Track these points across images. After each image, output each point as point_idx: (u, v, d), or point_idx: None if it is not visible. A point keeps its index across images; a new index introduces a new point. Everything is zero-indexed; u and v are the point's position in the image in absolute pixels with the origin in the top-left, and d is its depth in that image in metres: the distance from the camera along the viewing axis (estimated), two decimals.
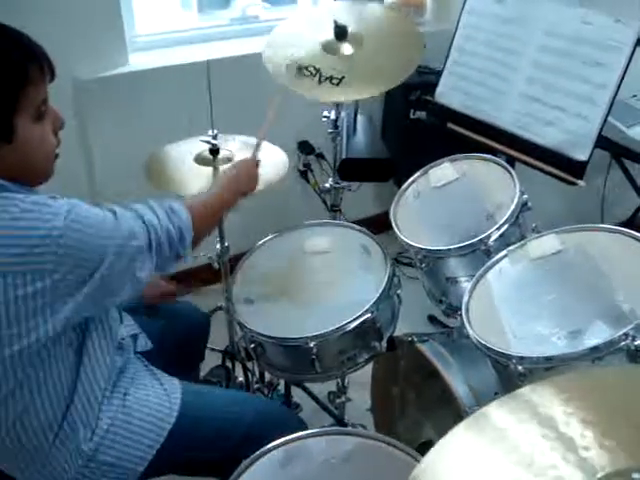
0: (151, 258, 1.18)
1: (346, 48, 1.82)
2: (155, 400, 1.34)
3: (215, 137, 1.79)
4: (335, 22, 1.75)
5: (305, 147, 2.63)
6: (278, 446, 1.25)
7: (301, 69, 1.77)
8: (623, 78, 1.56)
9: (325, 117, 2.05)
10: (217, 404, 1.41)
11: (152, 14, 2.47)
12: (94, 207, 1.12)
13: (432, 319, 2.47)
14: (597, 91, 1.59)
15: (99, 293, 1.09)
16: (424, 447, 1.60)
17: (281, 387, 2.18)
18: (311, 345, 1.49)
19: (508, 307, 1.25)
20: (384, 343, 1.60)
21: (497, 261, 1.36)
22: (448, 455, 0.81)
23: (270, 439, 1.27)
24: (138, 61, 2.35)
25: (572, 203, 2.83)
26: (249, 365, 2.14)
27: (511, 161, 1.82)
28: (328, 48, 1.82)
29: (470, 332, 1.24)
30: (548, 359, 1.09)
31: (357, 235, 1.77)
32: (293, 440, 1.27)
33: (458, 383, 1.47)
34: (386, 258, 1.65)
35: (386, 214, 3.03)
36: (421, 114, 2.42)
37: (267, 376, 2.18)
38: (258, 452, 1.22)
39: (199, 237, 1.33)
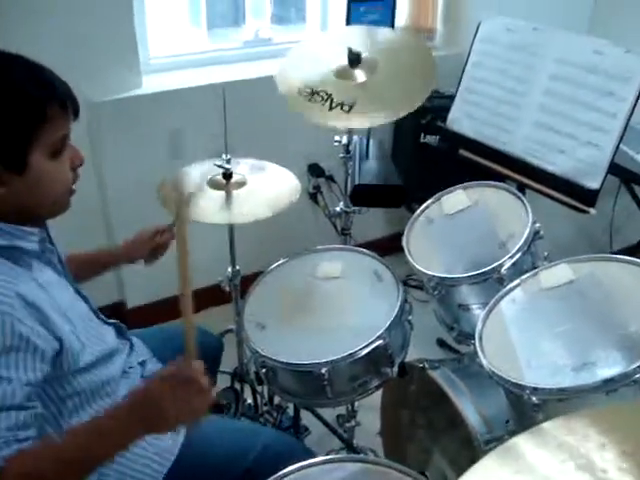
0: None
1: (359, 74, 1.84)
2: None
3: (228, 161, 1.81)
4: (349, 49, 1.77)
5: (315, 170, 2.65)
6: (290, 473, 1.26)
7: (313, 94, 1.79)
8: (635, 107, 1.58)
9: (337, 142, 2.06)
10: (223, 436, 1.39)
11: (163, 33, 2.50)
12: None
13: (441, 343, 2.47)
14: (608, 120, 1.60)
15: None
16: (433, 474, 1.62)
17: (290, 410, 2.18)
18: (323, 371, 1.49)
19: (521, 336, 1.26)
20: (395, 369, 1.60)
21: (510, 290, 1.37)
22: None
23: (277, 471, 1.23)
24: (152, 83, 2.38)
25: (581, 228, 2.84)
26: (258, 388, 2.14)
27: (522, 188, 1.84)
28: (341, 74, 1.84)
29: (484, 361, 1.24)
30: (561, 390, 1.10)
31: (368, 260, 1.78)
32: (298, 469, 1.27)
33: (469, 410, 1.47)
34: (398, 284, 1.66)
35: (394, 236, 3.08)
36: (431, 138, 2.44)
37: (276, 399, 2.19)
38: None
39: None
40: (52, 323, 1.08)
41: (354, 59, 1.80)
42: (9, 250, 1.08)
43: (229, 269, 1.99)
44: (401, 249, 2.47)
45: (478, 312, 1.55)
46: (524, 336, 1.26)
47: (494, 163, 1.85)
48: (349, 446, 2.02)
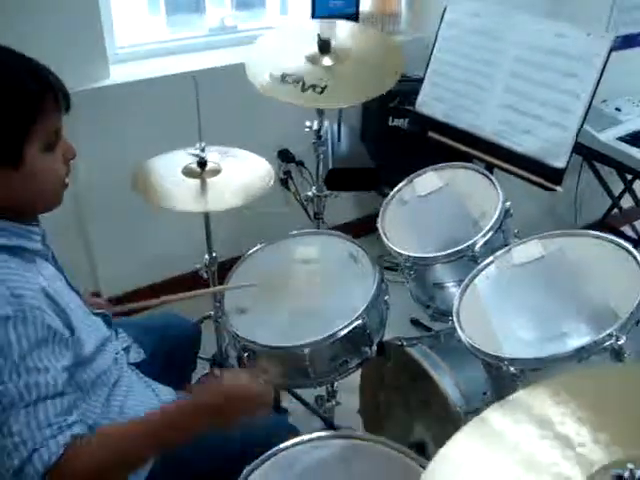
0: None
1: (328, 60, 1.87)
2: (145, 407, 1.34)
3: (203, 150, 1.82)
4: (319, 36, 1.80)
5: (285, 156, 2.66)
6: (276, 453, 1.29)
7: (284, 77, 1.81)
8: (597, 88, 1.63)
9: (307, 127, 2.09)
10: None
11: (124, 22, 2.47)
12: None
13: (415, 322, 2.52)
14: (573, 100, 1.66)
15: None
16: (416, 447, 1.66)
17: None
18: (305, 352, 1.53)
19: (497, 311, 1.31)
20: (374, 348, 1.65)
21: (484, 267, 1.42)
22: (452, 460, 0.85)
23: (262, 450, 1.30)
24: (120, 73, 2.36)
25: (546, 206, 2.92)
26: None
27: (490, 168, 1.89)
28: (312, 60, 1.86)
29: (462, 336, 1.29)
30: (538, 360, 1.15)
31: (343, 243, 1.82)
32: (291, 446, 1.32)
33: (447, 384, 1.52)
34: (374, 265, 1.70)
35: (365, 219, 3.12)
36: (400, 121, 2.48)
37: None
38: (257, 460, 1.26)
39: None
40: (66, 314, 1.11)
41: (324, 46, 1.83)
42: (15, 249, 1.09)
43: (206, 256, 2.01)
44: (372, 231, 2.51)
45: (453, 290, 1.60)
46: (499, 310, 1.31)
47: (463, 145, 1.90)
48: (330, 425, 2.07)
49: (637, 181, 2.61)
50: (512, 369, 1.15)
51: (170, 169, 1.86)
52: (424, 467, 1.21)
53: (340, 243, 1.82)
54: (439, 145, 2.00)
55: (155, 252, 2.54)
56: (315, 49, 1.86)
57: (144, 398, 1.38)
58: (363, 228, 3.12)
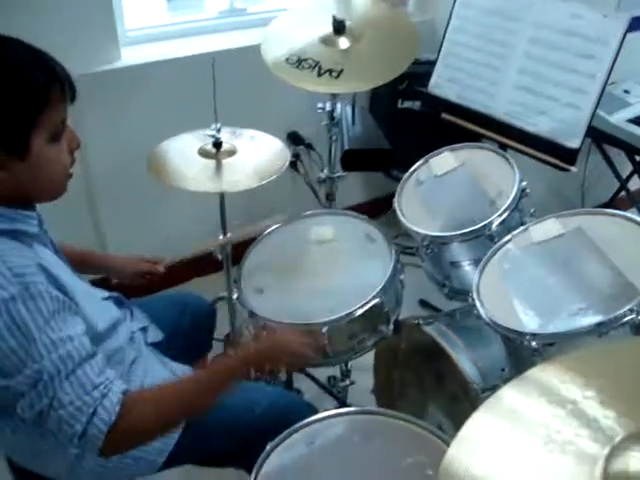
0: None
1: (344, 42, 1.87)
2: None
3: (219, 130, 1.83)
4: (334, 17, 1.80)
5: (294, 138, 2.67)
6: (301, 427, 1.32)
7: (301, 61, 1.82)
8: (612, 69, 1.64)
9: (320, 109, 2.10)
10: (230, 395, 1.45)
11: (131, 6, 2.46)
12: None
13: (424, 303, 2.55)
14: (588, 81, 1.67)
15: None
16: None
17: (282, 374, 2.23)
18: (323, 331, 1.54)
19: (516, 288, 1.33)
20: (390, 327, 1.67)
21: (502, 245, 1.44)
22: (472, 440, 0.87)
23: (282, 428, 1.33)
24: (131, 56, 2.36)
25: (554, 188, 2.93)
26: None
27: (503, 149, 1.90)
28: (326, 42, 1.87)
29: (482, 311, 1.31)
30: (559, 335, 1.17)
31: (359, 223, 1.83)
32: (315, 421, 1.34)
33: (464, 362, 1.54)
34: (390, 245, 1.72)
35: (373, 202, 3.13)
36: (410, 103, 2.48)
37: None
38: (282, 435, 1.28)
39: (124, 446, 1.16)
40: (65, 288, 1.11)
41: (339, 27, 1.84)
42: (12, 233, 1.09)
43: (220, 237, 2.02)
44: (381, 212, 2.53)
45: (469, 269, 1.62)
46: (518, 287, 1.33)
47: (476, 125, 1.91)
48: (343, 404, 2.09)
49: None
50: (533, 344, 1.17)
51: (185, 150, 1.87)
52: (447, 443, 1.24)
53: (356, 223, 1.83)
54: (450, 126, 2.01)
55: (167, 233, 2.55)
56: (330, 30, 1.87)
57: (163, 377, 1.39)
58: (372, 210, 3.13)
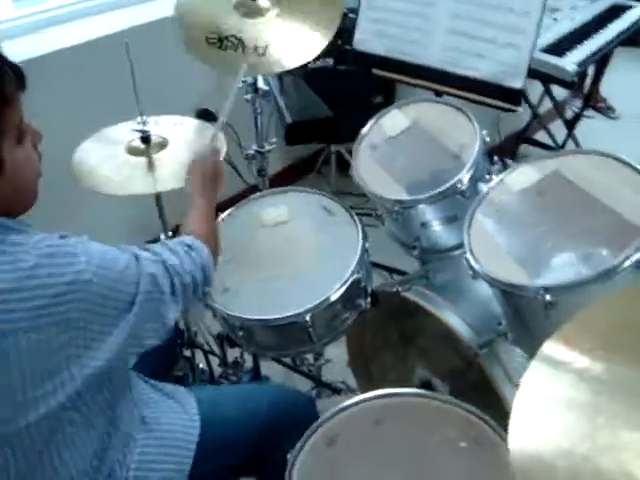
0: (176, 303, 1.12)
1: (263, 2, 1.73)
2: (177, 420, 1.28)
3: (145, 123, 1.67)
4: None
5: (205, 115, 2.50)
6: (317, 428, 1.24)
7: (222, 40, 1.67)
8: (545, 4, 1.62)
9: (241, 81, 1.95)
10: (231, 406, 1.38)
11: None
12: (112, 248, 1.04)
13: (375, 265, 2.50)
14: (522, 19, 1.64)
15: (125, 342, 1.01)
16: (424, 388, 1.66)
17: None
18: (307, 319, 1.46)
19: (510, 242, 1.29)
20: (368, 299, 1.61)
21: (481, 200, 1.40)
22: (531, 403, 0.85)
23: (287, 424, 1.33)
24: (17, 49, 2.10)
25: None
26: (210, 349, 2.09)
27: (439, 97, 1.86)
28: (243, 8, 1.72)
29: (481, 271, 1.26)
30: (572, 285, 1.14)
31: (312, 197, 1.74)
32: (328, 419, 1.27)
33: (455, 321, 1.52)
34: (351, 214, 1.64)
35: (291, 167, 3.04)
36: (323, 62, 2.38)
37: (230, 357, 2.14)
38: (300, 442, 1.21)
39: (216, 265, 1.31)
40: None
41: None
42: None
43: (162, 236, 1.87)
44: (306, 173, 2.45)
45: (439, 228, 1.58)
46: (512, 241, 1.29)
47: (411, 77, 1.85)
48: (320, 383, 2.04)
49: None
50: (548, 297, 1.14)
51: (111, 150, 1.70)
52: (467, 410, 1.21)
53: (308, 197, 1.74)
54: (379, 81, 1.94)
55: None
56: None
57: (165, 407, 1.31)
58: (294, 175, 3.06)
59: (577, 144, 3.06)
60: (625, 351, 0.88)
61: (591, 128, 3.26)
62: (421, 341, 1.70)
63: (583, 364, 0.86)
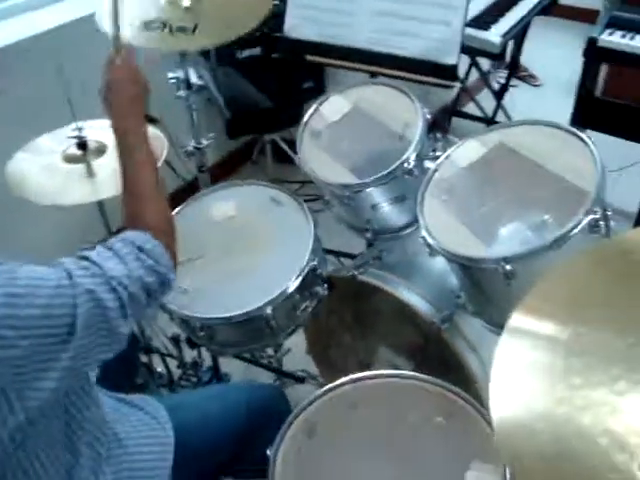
0: (125, 316, 0.98)
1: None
2: (150, 432, 1.24)
3: (80, 129, 1.61)
4: None
5: None
6: (294, 419, 1.24)
7: (147, 24, 1.63)
8: None
9: (173, 79, 1.91)
10: (212, 406, 1.36)
11: None
12: (40, 268, 0.92)
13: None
14: None
15: (72, 367, 0.91)
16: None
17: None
18: (268, 312, 1.46)
19: (463, 217, 1.31)
20: (325, 285, 1.61)
21: (430, 178, 1.41)
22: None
23: (265, 418, 1.33)
24: None
25: None
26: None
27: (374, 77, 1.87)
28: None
29: (439, 247, 1.28)
30: (529, 254, 1.17)
31: (259, 189, 1.73)
32: (304, 409, 1.26)
33: (414, 299, 1.54)
34: (299, 203, 1.64)
35: (229, 156, 3.00)
36: (251, 51, 2.35)
37: (187, 357, 2.11)
38: (279, 435, 1.20)
39: (174, 245, 1.14)
40: None
41: None
42: None
43: None
44: (237, 168, 2.42)
45: (389, 208, 1.60)
46: (465, 215, 1.31)
47: (344, 61, 1.85)
48: (282, 373, 2.04)
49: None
50: (508, 267, 1.17)
51: (46, 159, 1.63)
52: (439, 385, 1.23)
53: (255, 190, 1.73)
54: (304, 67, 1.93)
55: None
56: None
57: (135, 420, 1.26)
58: (230, 166, 3.03)
59: (506, 114, 3.15)
60: (588, 312, 0.91)
61: (516, 97, 3.35)
62: (381, 322, 1.72)
63: (550, 331, 0.89)
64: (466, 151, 1.41)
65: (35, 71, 1.87)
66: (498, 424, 0.83)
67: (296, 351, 2.06)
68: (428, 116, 1.54)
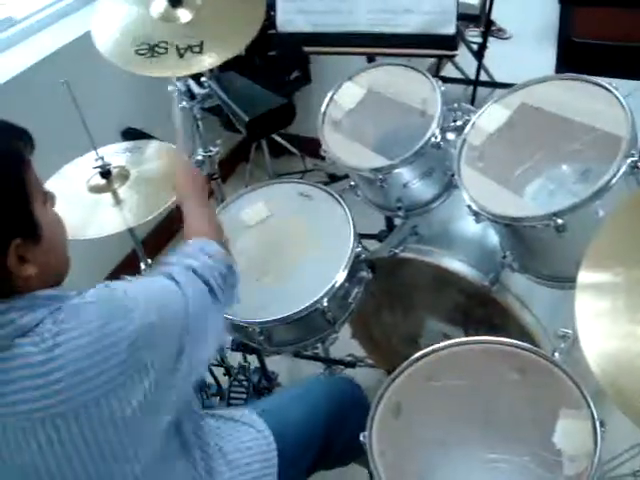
0: (220, 305, 1.10)
1: (185, 14, 1.70)
2: (253, 442, 1.28)
3: (102, 158, 1.60)
4: None
5: (131, 134, 2.43)
6: (379, 401, 1.27)
7: (153, 49, 1.63)
8: None
9: (177, 91, 1.91)
10: (293, 409, 1.40)
11: None
12: (147, 279, 1.03)
13: None
14: None
15: (192, 363, 0.99)
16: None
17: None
18: (325, 304, 1.48)
19: (504, 180, 1.35)
20: (369, 269, 1.64)
21: (461, 148, 1.44)
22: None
23: (345, 409, 1.39)
24: None
25: None
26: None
27: (373, 60, 1.89)
28: (167, 19, 1.68)
29: (487, 212, 1.31)
30: (580, 204, 1.21)
31: (284, 187, 1.75)
32: (385, 391, 1.29)
33: (459, 266, 1.58)
34: (329, 193, 1.66)
35: (232, 155, 3.01)
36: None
37: (232, 362, 2.14)
38: (368, 421, 1.23)
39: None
40: None
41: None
42: None
43: (142, 265, 1.82)
44: (236, 168, 2.39)
45: (419, 184, 1.63)
46: (505, 179, 1.34)
47: (342, 47, 1.86)
48: (332, 361, 2.06)
49: None
50: (559, 221, 1.20)
51: (74, 192, 1.63)
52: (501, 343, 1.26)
53: (281, 188, 1.75)
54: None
55: None
56: (164, 4, 1.68)
57: (235, 432, 1.31)
58: (230, 166, 3.04)
59: (488, 73, 3.19)
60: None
61: (490, 53, 3.38)
62: (422, 295, 1.75)
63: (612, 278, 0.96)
64: (490, 117, 1.43)
65: (44, 99, 1.86)
66: (597, 364, 0.91)
67: (339, 337, 2.08)
68: (443, 88, 1.56)
